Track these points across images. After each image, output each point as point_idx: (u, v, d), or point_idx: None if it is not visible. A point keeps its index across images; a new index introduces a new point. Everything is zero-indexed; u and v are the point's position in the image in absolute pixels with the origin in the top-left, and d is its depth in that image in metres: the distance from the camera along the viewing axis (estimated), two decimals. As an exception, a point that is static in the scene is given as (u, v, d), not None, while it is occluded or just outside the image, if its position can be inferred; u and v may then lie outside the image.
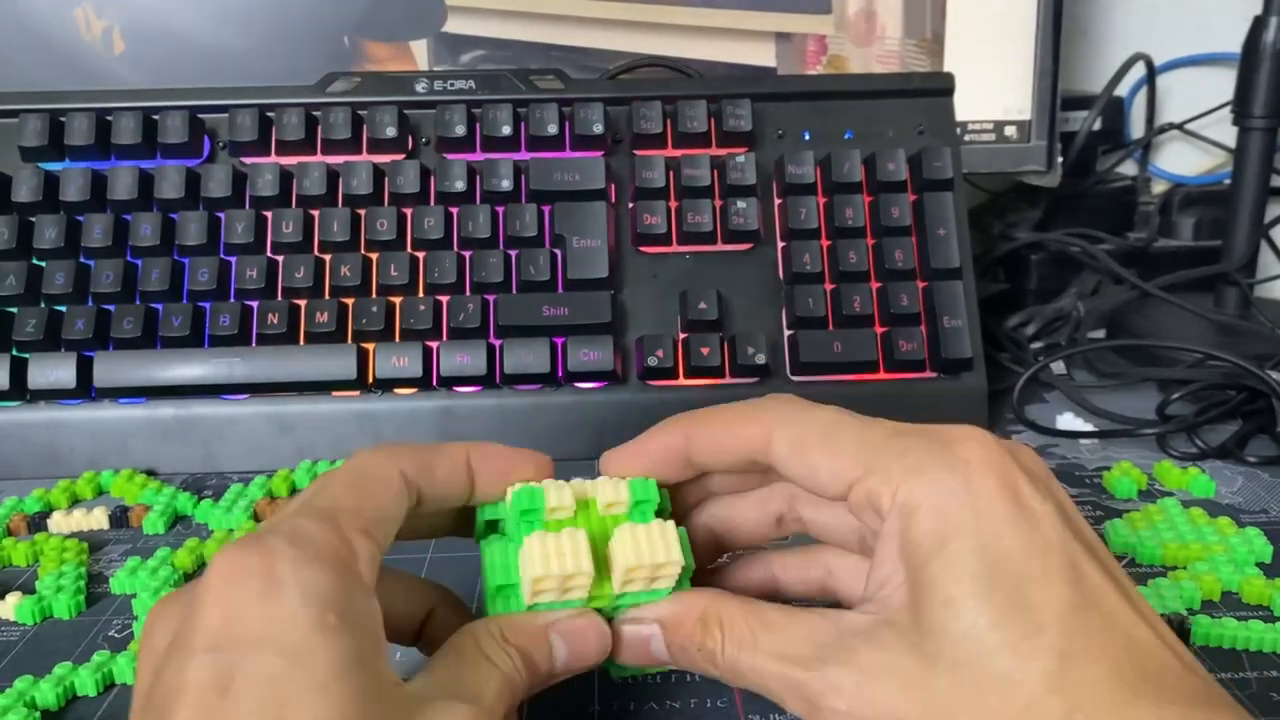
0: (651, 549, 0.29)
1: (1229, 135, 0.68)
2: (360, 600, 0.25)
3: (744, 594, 0.32)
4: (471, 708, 0.26)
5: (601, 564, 0.29)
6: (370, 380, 0.51)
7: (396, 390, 0.52)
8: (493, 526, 0.31)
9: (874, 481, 0.27)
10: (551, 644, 0.29)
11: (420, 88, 0.56)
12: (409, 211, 0.53)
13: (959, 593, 0.25)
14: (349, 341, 0.51)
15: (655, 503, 0.31)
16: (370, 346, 0.51)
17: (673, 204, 0.54)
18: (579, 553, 0.28)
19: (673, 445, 0.31)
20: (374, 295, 0.52)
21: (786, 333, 0.53)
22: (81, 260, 0.52)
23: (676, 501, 0.33)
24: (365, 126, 0.55)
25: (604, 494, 0.30)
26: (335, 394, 0.51)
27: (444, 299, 0.52)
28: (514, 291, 0.53)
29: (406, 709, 0.25)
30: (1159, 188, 0.82)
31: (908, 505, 0.27)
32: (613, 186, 0.55)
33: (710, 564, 0.34)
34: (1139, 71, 0.80)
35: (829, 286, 0.53)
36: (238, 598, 0.24)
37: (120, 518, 0.46)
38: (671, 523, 0.30)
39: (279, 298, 0.52)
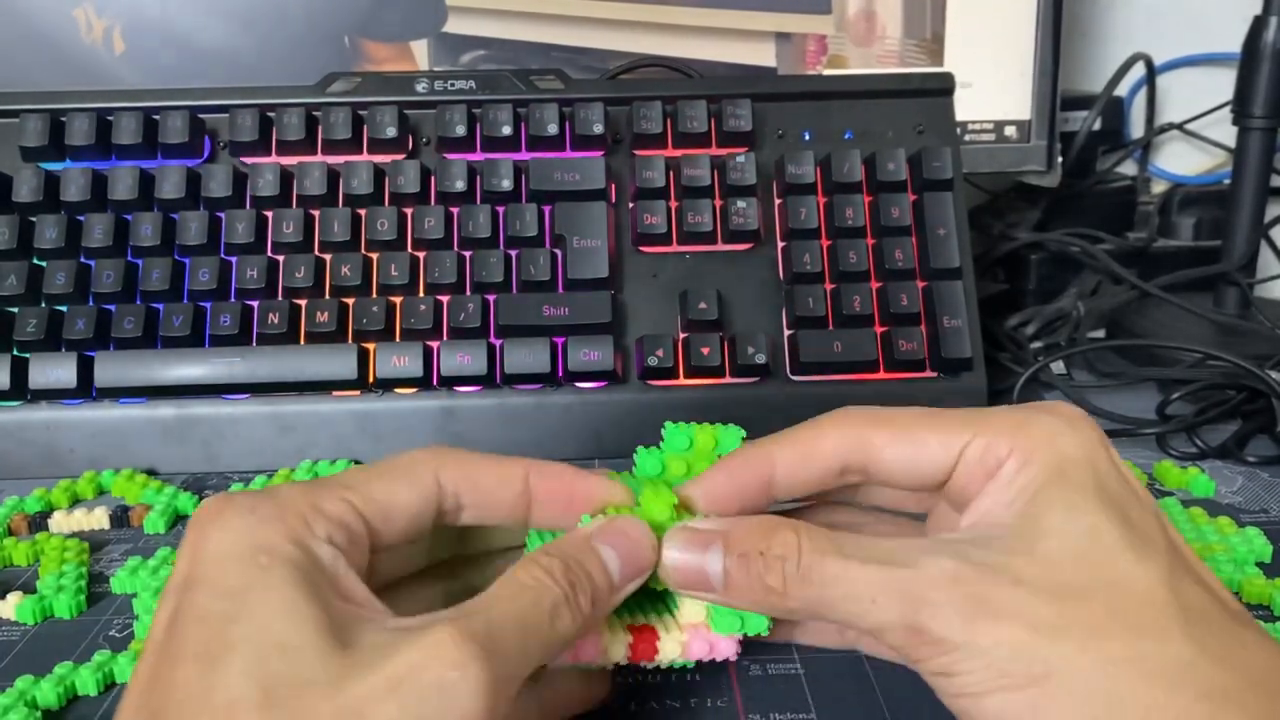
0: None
1: (1229, 135, 0.68)
2: (304, 544, 0.26)
3: None
4: (448, 627, 0.23)
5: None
6: (371, 380, 0.51)
7: (397, 390, 0.52)
8: None
9: (988, 437, 0.28)
10: (600, 554, 0.27)
11: (420, 88, 0.56)
12: (409, 211, 0.53)
13: (1083, 505, 0.26)
14: (349, 341, 0.51)
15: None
16: (371, 346, 0.51)
17: (673, 204, 0.54)
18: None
19: (758, 473, 0.30)
20: (374, 295, 0.52)
21: (786, 333, 0.53)
22: (82, 260, 0.52)
23: None
24: (365, 126, 0.55)
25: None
26: (336, 394, 0.51)
27: (444, 299, 0.52)
28: (514, 291, 0.53)
29: (357, 639, 0.24)
30: (1159, 188, 0.82)
31: (1023, 447, 0.27)
32: (613, 186, 0.55)
33: None
34: (1139, 71, 0.80)
35: (829, 286, 0.53)
36: (192, 542, 0.26)
37: (121, 517, 0.46)
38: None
39: (279, 298, 0.52)
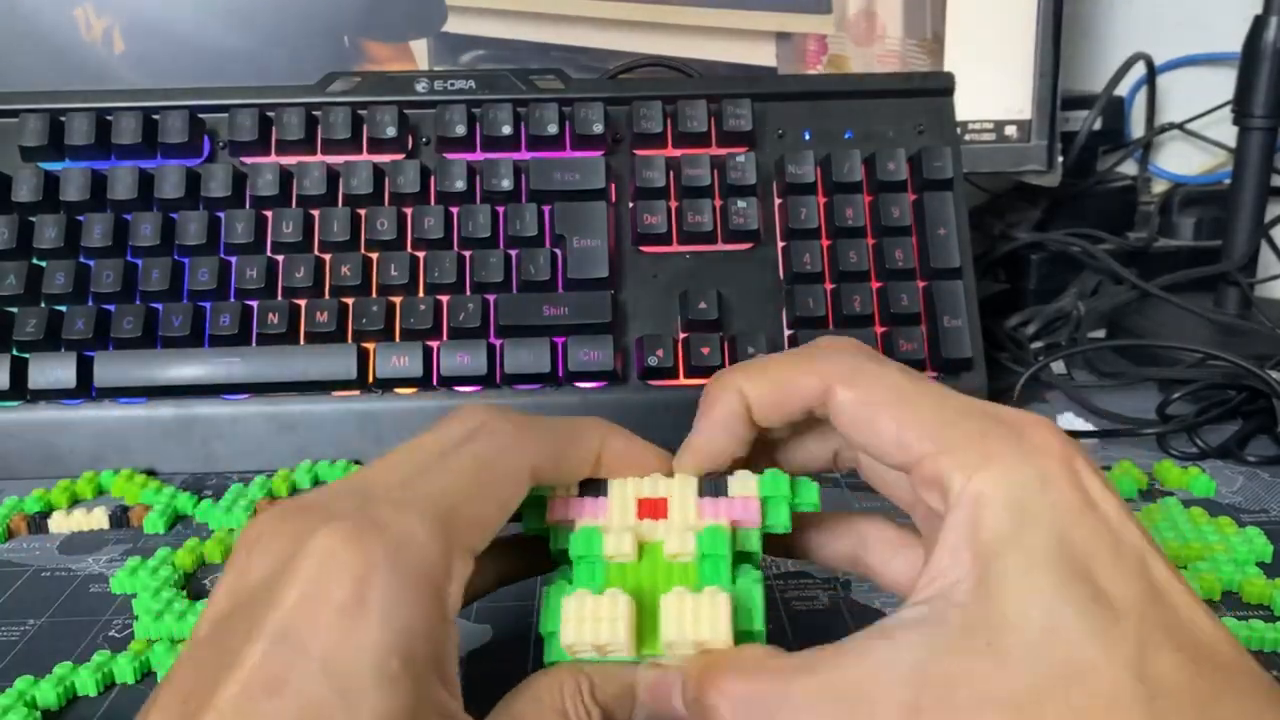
0: (696, 625, 0.26)
1: (1229, 135, 0.68)
2: (437, 640, 0.24)
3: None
4: None
5: (654, 619, 0.28)
6: (370, 380, 0.51)
7: (397, 390, 0.52)
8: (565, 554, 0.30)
9: (946, 463, 0.26)
10: (638, 703, 0.27)
11: (420, 87, 0.56)
12: (409, 211, 0.53)
13: (1041, 583, 0.24)
14: (349, 341, 0.51)
15: (726, 558, 0.28)
16: (370, 346, 0.51)
17: (673, 204, 0.54)
18: (616, 621, 0.27)
19: (734, 412, 0.29)
20: (374, 295, 0.52)
21: (787, 332, 0.53)
22: (81, 260, 0.52)
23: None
24: (365, 126, 0.55)
25: (670, 543, 0.29)
26: (335, 394, 0.51)
27: (444, 299, 0.52)
28: (514, 291, 0.53)
29: None
30: (1159, 187, 0.82)
31: (982, 494, 0.25)
32: (613, 186, 0.55)
33: None
34: (1139, 71, 0.80)
35: (829, 286, 0.53)
36: (321, 596, 0.23)
37: (120, 518, 0.46)
38: (725, 596, 0.27)
39: (279, 297, 0.52)
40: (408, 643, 0.23)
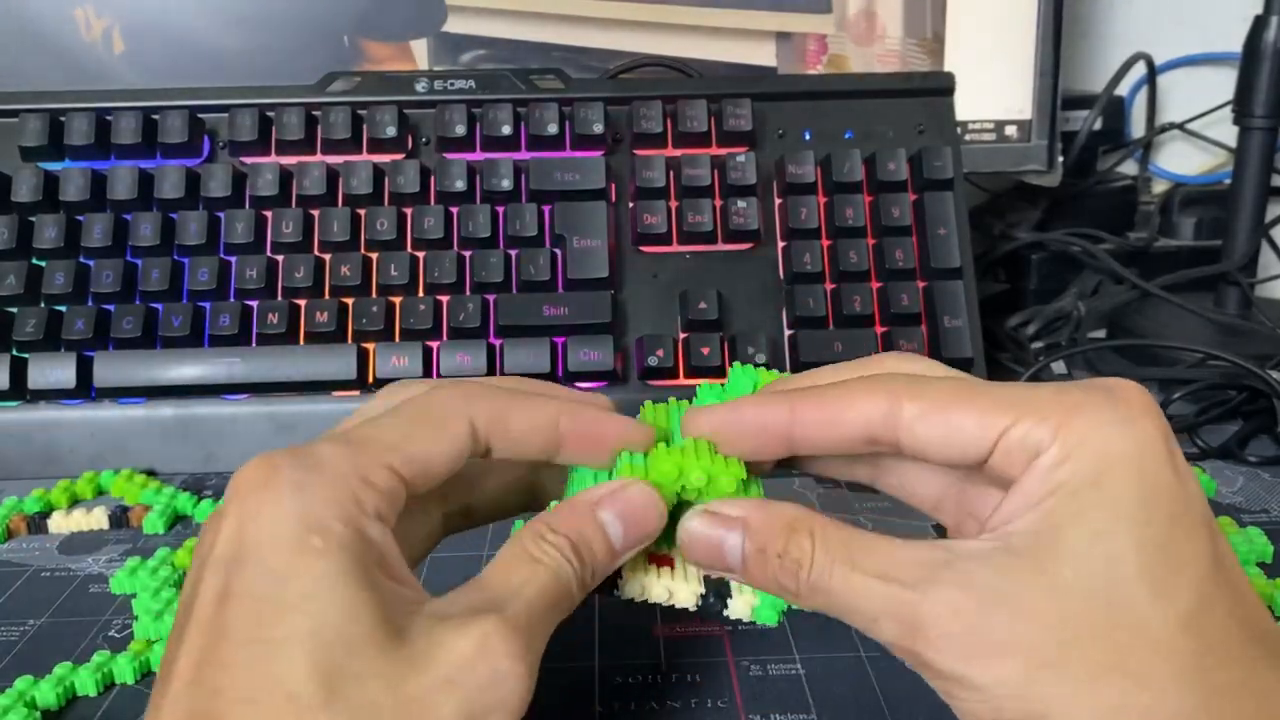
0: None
1: (1229, 135, 0.68)
2: (356, 525, 0.25)
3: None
4: (493, 620, 0.25)
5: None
6: (370, 380, 0.51)
7: (396, 390, 0.52)
8: None
9: (1031, 422, 0.25)
10: (604, 523, 0.28)
11: (420, 87, 0.56)
12: (409, 211, 0.53)
13: (1111, 520, 0.24)
14: (349, 341, 0.51)
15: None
16: (370, 346, 0.51)
17: (673, 204, 0.54)
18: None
19: (773, 422, 0.28)
20: (374, 295, 0.52)
21: (787, 332, 0.53)
22: (81, 260, 0.52)
23: None
24: (365, 126, 0.55)
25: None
26: (335, 394, 0.51)
27: (444, 299, 0.52)
28: (514, 291, 0.53)
29: (407, 629, 0.24)
30: (1159, 187, 0.82)
31: (1070, 441, 0.25)
32: (613, 186, 0.55)
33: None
34: (1139, 71, 0.80)
35: (829, 286, 0.53)
36: (240, 513, 0.25)
37: (120, 518, 0.46)
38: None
39: (279, 297, 0.52)
40: (323, 525, 0.25)
